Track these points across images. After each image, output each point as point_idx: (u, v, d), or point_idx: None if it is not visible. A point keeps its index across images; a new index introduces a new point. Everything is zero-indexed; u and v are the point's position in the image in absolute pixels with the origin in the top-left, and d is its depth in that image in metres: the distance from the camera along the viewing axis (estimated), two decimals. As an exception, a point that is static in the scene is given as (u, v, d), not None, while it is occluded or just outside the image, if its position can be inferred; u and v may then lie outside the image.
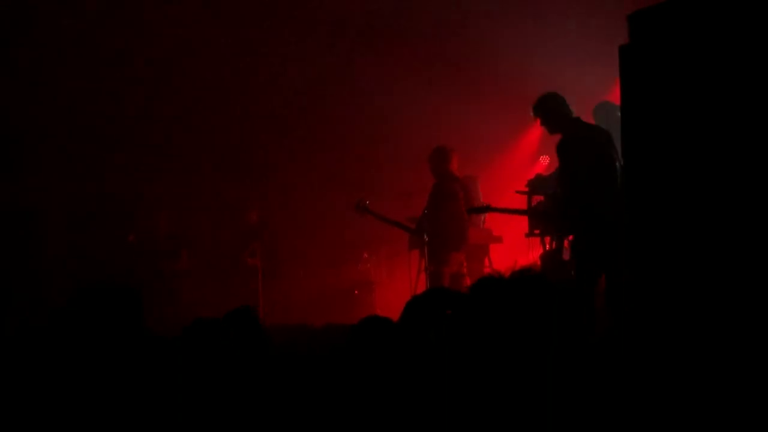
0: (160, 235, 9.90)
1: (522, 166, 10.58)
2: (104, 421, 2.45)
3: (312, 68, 10.54)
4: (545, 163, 10.45)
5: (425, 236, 7.81)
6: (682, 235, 2.63)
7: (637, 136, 2.91)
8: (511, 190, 7.84)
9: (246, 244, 10.02)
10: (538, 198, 7.18)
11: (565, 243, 6.38)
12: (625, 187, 3.24)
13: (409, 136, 10.03)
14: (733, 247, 2.47)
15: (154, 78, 10.08)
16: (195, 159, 10.58)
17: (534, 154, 10.84)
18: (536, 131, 10.85)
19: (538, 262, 7.28)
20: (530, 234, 7.43)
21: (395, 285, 10.12)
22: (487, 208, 7.15)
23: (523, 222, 7.68)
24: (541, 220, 6.76)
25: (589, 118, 7.05)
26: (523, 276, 1.81)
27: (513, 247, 9.39)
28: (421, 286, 8.09)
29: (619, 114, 6.61)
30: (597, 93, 8.33)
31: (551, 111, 6.08)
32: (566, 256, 6.38)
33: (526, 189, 7.33)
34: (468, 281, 8.17)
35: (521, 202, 7.45)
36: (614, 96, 7.74)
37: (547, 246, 7.12)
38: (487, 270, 8.92)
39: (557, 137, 6.13)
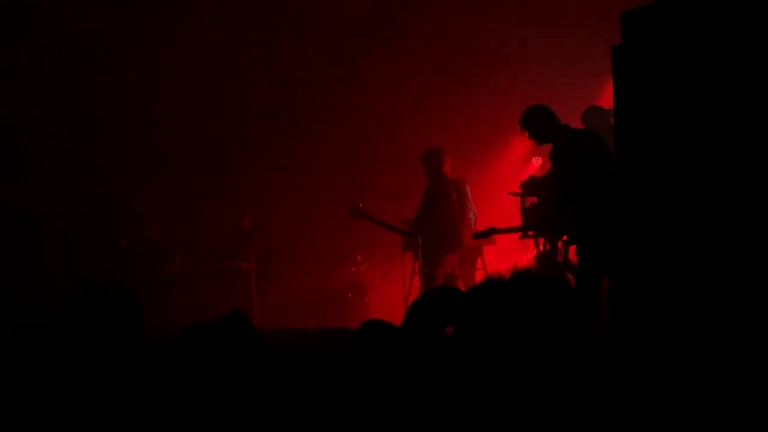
0: (153, 238, 9.87)
1: (515, 168, 10.58)
2: (100, 424, 2.43)
3: (305, 72, 10.54)
4: (537, 164, 10.46)
5: (419, 238, 7.80)
6: (676, 235, 2.63)
7: (630, 137, 2.91)
8: (504, 192, 7.83)
9: (239, 247, 10.00)
10: (531, 199, 7.17)
11: (559, 244, 6.38)
12: (619, 188, 3.23)
13: (402, 138, 10.03)
14: (727, 246, 2.47)
15: (148, 81, 10.06)
16: (188, 162, 10.56)
17: (527, 156, 10.85)
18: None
19: (533, 264, 7.28)
20: (524, 236, 7.42)
21: (389, 287, 10.11)
22: (492, 231, 7.14)
23: (516, 223, 7.67)
24: (539, 229, 6.76)
25: (578, 123, 7.08)
26: (524, 277, 1.80)
27: (506, 249, 9.39)
28: (415, 289, 8.09)
29: (608, 117, 6.67)
30: (588, 96, 8.34)
31: (537, 124, 6.13)
32: (560, 257, 6.38)
33: (520, 190, 7.33)
34: (460, 283, 8.17)
35: (514, 204, 7.44)
36: (604, 100, 7.77)
37: (541, 247, 7.12)
38: (480, 272, 8.92)
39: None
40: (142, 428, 2.44)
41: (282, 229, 10.60)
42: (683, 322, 2.49)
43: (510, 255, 9.29)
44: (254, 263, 9.84)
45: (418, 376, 2.24)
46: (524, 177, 7.92)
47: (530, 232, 7.31)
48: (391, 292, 9.83)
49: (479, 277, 8.88)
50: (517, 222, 7.44)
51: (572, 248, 6.28)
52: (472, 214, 8.87)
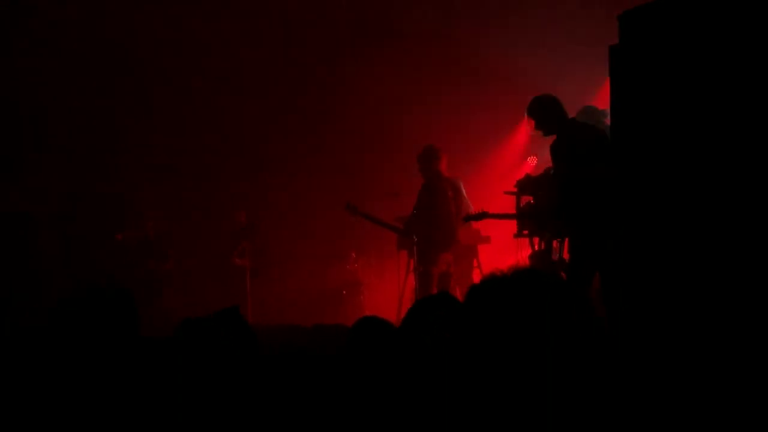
0: (149, 235, 9.87)
1: (510, 167, 10.60)
2: (98, 422, 2.44)
3: (301, 69, 10.54)
4: (533, 163, 10.48)
5: (414, 237, 7.80)
6: (671, 234, 2.63)
7: (627, 137, 2.92)
8: (499, 191, 7.84)
9: (234, 244, 10.00)
10: (527, 198, 7.18)
11: (554, 243, 6.38)
12: (616, 187, 3.24)
13: (398, 136, 10.04)
14: (724, 246, 2.48)
15: (144, 79, 10.06)
16: (184, 159, 10.56)
17: (522, 155, 10.87)
18: (524, 132, 10.89)
19: (528, 263, 7.29)
20: (519, 234, 7.43)
21: (383, 285, 10.13)
22: (483, 215, 7.11)
23: (511, 222, 7.68)
24: (534, 222, 6.74)
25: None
26: (527, 274, 1.80)
27: (501, 248, 9.40)
28: (410, 287, 8.10)
29: (603, 117, 6.65)
30: (584, 96, 8.35)
31: (541, 114, 6.04)
32: (555, 256, 6.38)
33: (515, 189, 7.33)
34: (454, 282, 8.17)
35: (510, 203, 7.45)
36: (599, 100, 7.78)
37: (536, 246, 7.12)
38: (476, 270, 8.93)
39: (549, 137, 6.12)
40: (138, 425, 2.44)
41: (277, 226, 10.61)
42: (681, 321, 2.49)
43: (505, 254, 9.31)
44: (249, 260, 9.84)
45: (417, 374, 2.24)
46: (519, 176, 7.93)
47: (525, 231, 7.32)
48: (385, 289, 9.85)
49: (476, 275, 8.90)
50: (513, 222, 7.44)
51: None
52: (470, 211, 8.88)
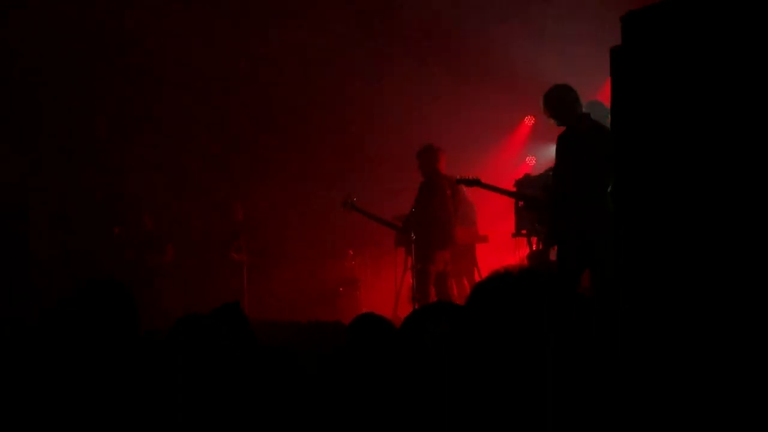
0: (146, 229, 9.87)
1: (509, 167, 10.60)
2: (97, 419, 2.43)
3: (298, 65, 10.53)
4: (532, 163, 10.50)
5: (412, 234, 7.80)
6: (669, 234, 2.63)
7: (627, 139, 2.91)
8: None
9: (231, 239, 10.00)
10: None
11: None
12: (615, 187, 3.24)
13: (397, 134, 10.03)
14: (724, 248, 2.48)
15: (141, 76, 10.06)
16: (182, 154, 10.56)
17: (521, 155, 10.87)
18: (524, 131, 10.90)
19: (525, 262, 7.29)
20: (517, 234, 7.44)
21: (381, 283, 10.14)
22: (477, 182, 7.07)
23: (509, 222, 7.69)
24: (528, 210, 6.69)
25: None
26: (532, 274, 1.80)
27: (499, 247, 9.40)
28: (407, 284, 8.09)
29: (607, 114, 6.63)
30: (586, 93, 8.34)
31: (555, 104, 5.92)
32: (552, 256, 6.38)
33: (515, 189, 7.34)
34: (452, 280, 8.18)
35: (509, 202, 7.46)
36: (603, 96, 7.77)
37: (534, 246, 7.13)
38: (473, 270, 8.93)
39: (551, 135, 6.08)
40: (138, 422, 2.43)
41: (274, 221, 10.61)
42: (680, 320, 2.50)
43: (503, 253, 9.31)
44: (246, 255, 9.84)
45: (417, 373, 2.24)
46: (518, 176, 7.93)
47: (523, 231, 7.33)
48: (382, 287, 9.86)
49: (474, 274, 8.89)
50: (512, 222, 7.45)
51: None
52: (470, 209, 8.90)
